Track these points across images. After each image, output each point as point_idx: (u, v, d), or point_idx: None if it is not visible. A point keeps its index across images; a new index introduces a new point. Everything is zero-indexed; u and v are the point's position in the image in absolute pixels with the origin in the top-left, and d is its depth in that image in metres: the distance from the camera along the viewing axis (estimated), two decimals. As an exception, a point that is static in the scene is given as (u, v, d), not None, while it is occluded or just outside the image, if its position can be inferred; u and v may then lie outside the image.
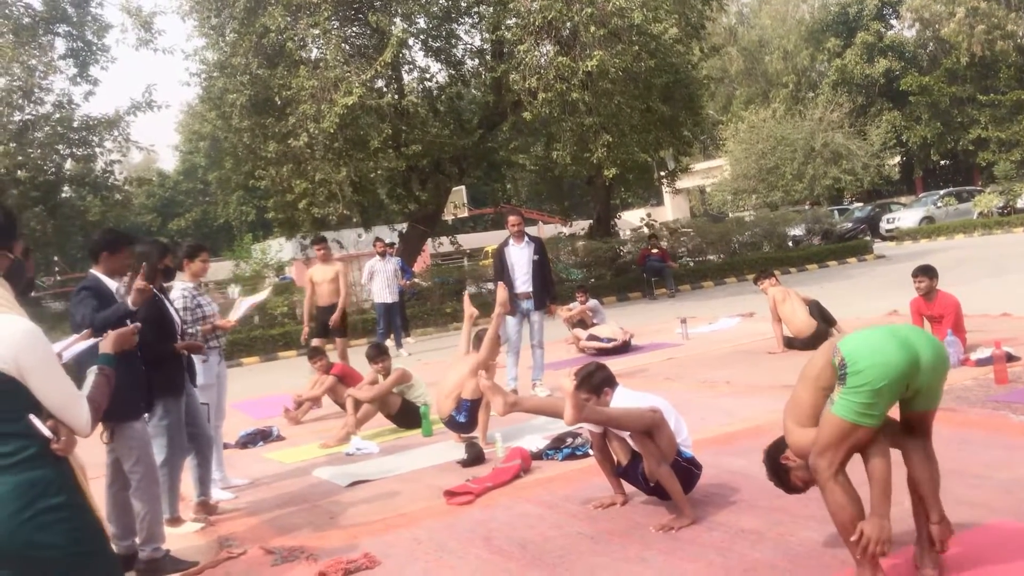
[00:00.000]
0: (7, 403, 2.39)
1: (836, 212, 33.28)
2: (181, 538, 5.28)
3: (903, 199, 39.20)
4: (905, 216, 32.48)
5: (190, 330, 5.87)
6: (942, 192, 34.77)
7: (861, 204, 37.32)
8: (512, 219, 9.13)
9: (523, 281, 8.90)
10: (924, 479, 3.38)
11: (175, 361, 5.38)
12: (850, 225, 30.23)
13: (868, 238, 27.97)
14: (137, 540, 4.77)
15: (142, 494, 4.67)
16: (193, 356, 5.73)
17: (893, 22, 47.25)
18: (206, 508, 5.77)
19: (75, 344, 3.76)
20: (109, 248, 4.83)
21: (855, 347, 3.28)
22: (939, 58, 43.56)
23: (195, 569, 4.73)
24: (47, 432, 2.42)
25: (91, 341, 4.07)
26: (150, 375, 4.89)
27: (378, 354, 8.10)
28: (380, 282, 14.47)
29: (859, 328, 3.56)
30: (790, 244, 26.67)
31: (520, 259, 8.93)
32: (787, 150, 36.20)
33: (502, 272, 8.91)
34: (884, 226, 32.09)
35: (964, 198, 32.82)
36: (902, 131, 42.81)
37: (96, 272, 4.82)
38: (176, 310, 5.63)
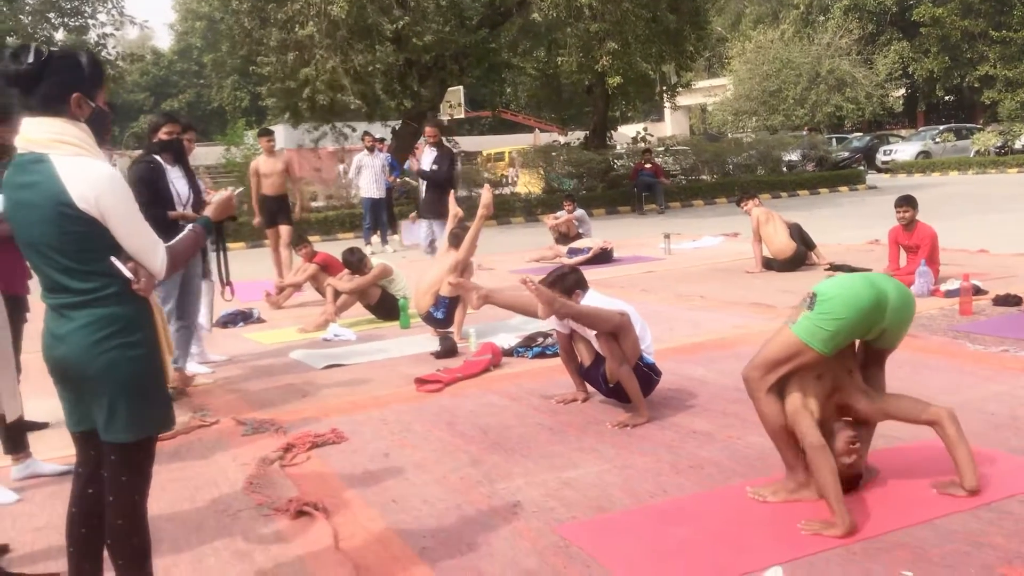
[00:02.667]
0: (90, 243, 2.50)
1: (834, 140, 33.14)
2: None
3: (903, 132, 38.94)
4: (902, 149, 32.39)
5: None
6: (941, 128, 34.60)
7: (860, 134, 37.12)
8: (429, 130, 9.83)
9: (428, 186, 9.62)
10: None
11: (169, 228, 5.42)
12: (846, 154, 30.17)
13: (862, 168, 27.94)
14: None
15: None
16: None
17: (912, -52, 46.13)
18: (182, 379, 5.94)
19: None
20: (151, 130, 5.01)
21: (827, 284, 3.46)
22: (955, -11, 42.67)
23: (167, 434, 4.90)
24: (127, 273, 2.54)
25: None
26: None
27: (357, 263, 8.11)
28: (368, 177, 14.46)
29: (837, 253, 3.68)
30: (784, 169, 26.63)
31: (428, 161, 9.57)
32: (792, 74, 35.78)
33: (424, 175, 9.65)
34: (880, 158, 32.03)
35: (963, 135, 32.69)
36: (909, 63, 42.18)
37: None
38: (193, 183, 5.76)
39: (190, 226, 2.89)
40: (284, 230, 10.43)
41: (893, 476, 3.64)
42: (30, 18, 19.75)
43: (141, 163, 5.55)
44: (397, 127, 21.78)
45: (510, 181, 25.75)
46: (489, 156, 33.52)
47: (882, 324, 3.39)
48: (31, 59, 2.49)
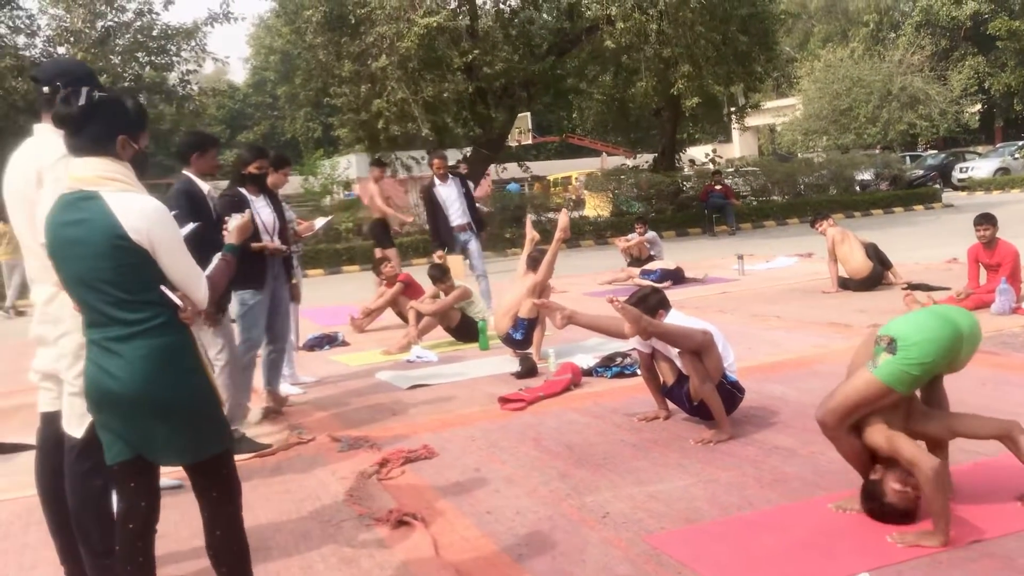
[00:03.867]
0: (141, 274, 2.65)
1: (908, 158, 32.58)
2: (255, 426, 5.74)
3: (980, 149, 38.10)
4: (979, 166, 31.71)
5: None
6: (1020, 143, 33.76)
7: (935, 151, 36.41)
8: (436, 162, 9.82)
9: (457, 216, 9.57)
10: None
11: (255, 258, 5.70)
12: (921, 172, 29.64)
13: (938, 186, 27.44)
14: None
15: (225, 379, 5.08)
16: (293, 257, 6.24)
17: (987, -38, 45.24)
18: (275, 398, 6.21)
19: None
20: (199, 148, 5.18)
21: (904, 328, 3.46)
22: (1032, 2, 41.73)
23: (268, 451, 5.18)
24: (178, 301, 2.69)
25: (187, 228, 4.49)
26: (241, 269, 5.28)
27: (441, 275, 8.42)
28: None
29: (915, 272, 3.74)
30: (857, 188, 26.31)
31: (450, 196, 9.58)
32: (863, 92, 35.36)
33: (435, 211, 9.58)
34: (957, 175, 31.40)
35: (1043, 151, 31.88)
36: (985, 78, 41.34)
37: (188, 173, 5.17)
38: (281, 212, 6.04)
39: (220, 254, 3.06)
40: (390, 252, 11.01)
41: (978, 489, 3.69)
42: (120, 58, 20.69)
43: (226, 197, 5.73)
44: (468, 154, 22.16)
45: (569, 205, 25.85)
46: (555, 180, 33.78)
47: (960, 358, 3.47)
48: (82, 102, 2.68)
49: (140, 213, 2.64)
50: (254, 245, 5.71)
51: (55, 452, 3.35)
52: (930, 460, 3.27)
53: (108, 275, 2.62)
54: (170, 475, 4.68)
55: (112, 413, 2.71)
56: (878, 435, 3.44)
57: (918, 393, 3.59)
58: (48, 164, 3.17)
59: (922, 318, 3.55)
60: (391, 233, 11.45)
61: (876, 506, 3.44)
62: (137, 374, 2.63)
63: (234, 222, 3.32)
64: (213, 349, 5.09)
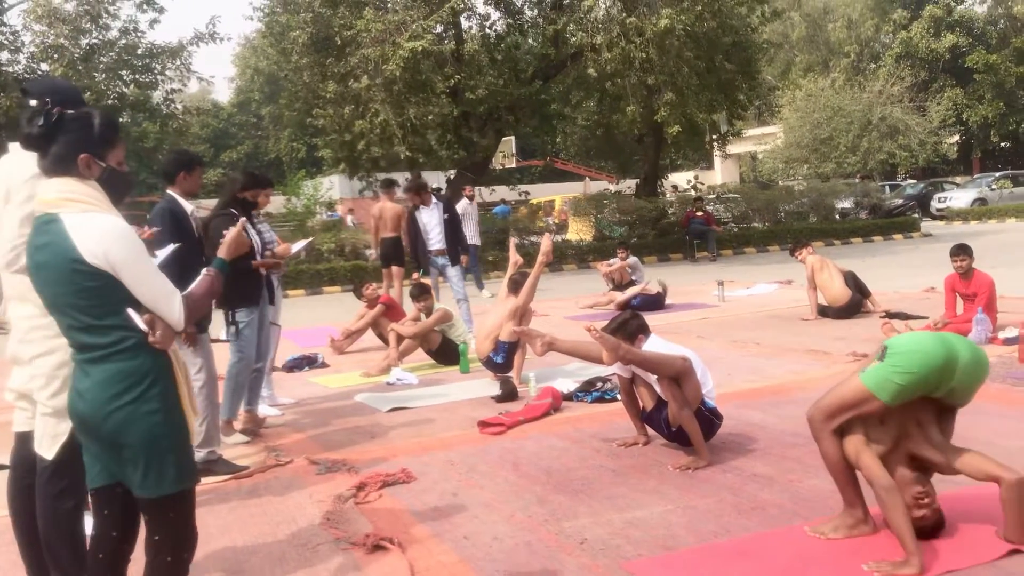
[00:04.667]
0: (104, 297, 2.53)
1: (887, 188, 32.93)
2: (232, 447, 5.70)
3: (958, 179, 38.60)
4: (957, 196, 32.09)
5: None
6: (997, 174, 34.22)
7: (914, 181, 36.84)
8: (410, 196, 10.01)
9: (436, 240, 9.75)
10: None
11: (251, 276, 5.76)
12: (900, 201, 29.94)
13: (917, 216, 27.73)
14: (194, 443, 5.16)
15: (202, 400, 5.04)
16: (272, 277, 6.21)
17: (965, -4, 46.05)
18: (253, 419, 6.18)
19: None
20: (186, 168, 5.18)
21: (901, 339, 3.56)
22: (1009, 36, 42.54)
23: (245, 473, 5.14)
24: (142, 325, 2.55)
25: (168, 249, 4.49)
26: (226, 289, 5.27)
27: (420, 293, 8.44)
28: (470, 225, 14.83)
29: (893, 300, 3.79)
30: (837, 216, 26.55)
31: (431, 220, 9.75)
32: (843, 121, 35.75)
33: (416, 235, 9.78)
34: (935, 205, 31.77)
35: (1020, 182, 32.34)
36: (963, 109, 42.00)
37: (172, 192, 5.16)
38: (259, 233, 6.05)
39: (205, 270, 2.87)
40: (396, 271, 11.04)
41: (959, 519, 3.70)
42: (104, 76, 20.64)
43: (222, 216, 5.77)
44: (452, 176, 22.21)
45: (550, 227, 25.92)
46: (539, 204, 33.89)
47: (951, 383, 3.44)
48: (41, 122, 2.59)
49: (97, 234, 2.53)
50: (253, 264, 5.73)
51: (28, 472, 3.32)
52: (885, 480, 3.33)
53: (71, 299, 2.55)
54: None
55: (83, 434, 2.66)
56: (850, 445, 3.51)
57: (931, 423, 3.56)
58: (17, 183, 3.15)
59: (923, 336, 3.61)
60: (402, 252, 11.50)
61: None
62: (97, 397, 2.55)
63: (229, 235, 3.16)
64: (192, 368, 5.06)
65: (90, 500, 2.76)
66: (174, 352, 2.69)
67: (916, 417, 3.54)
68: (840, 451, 3.55)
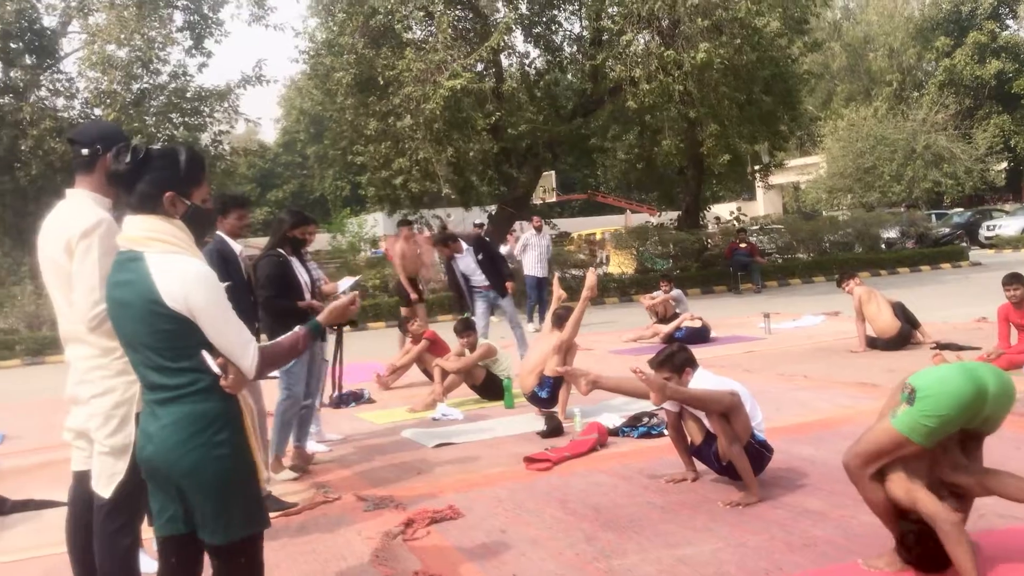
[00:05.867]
0: (179, 339, 2.53)
1: (934, 216, 32.47)
2: (281, 484, 5.75)
3: (1007, 206, 37.91)
4: (1007, 224, 31.48)
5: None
6: (1048, 201, 33.58)
7: (961, 209, 36.28)
8: (440, 249, 10.38)
9: (480, 280, 10.06)
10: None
11: (300, 316, 5.81)
12: (947, 230, 29.49)
13: (965, 244, 27.27)
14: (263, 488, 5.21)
15: (252, 437, 5.12)
16: None
17: (1009, 22, 45.57)
18: (302, 456, 6.23)
19: None
20: (218, 211, 5.32)
21: (926, 379, 3.50)
22: (1056, 61, 41.90)
23: (294, 510, 5.18)
24: (215, 368, 2.54)
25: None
26: (275, 328, 5.39)
27: (465, 328, 8.49)
28: (533, 256, 14.91)
29: (943, 331, 3.75)
30: (883, 246, 26.23)
31: (469, 265, 10.07)
32: (887, 150, 35.44)
33: (456, 282, 10.19)
34: (984, 233, 31.20)
35: (1072, 208, 31.65)
36: (1011, 136, 41.39)
37: (220, 233, 5.29)
38: (310, 272, 6.15)
39: (296, 328, 2.82)
40: (419, 309, 11.19)
41: (995, 557, 3.61)
42: (154, 119, 21.21)
43: (271, 257, 5.89)
44: (493, 212, 22.35)
45: (598, 262, 25.88)
46: (580, 238, 33.93)
47: (983, 414, 3.43)
48: (128, 159, 2.59)
49: (179, 277, 2.53)
50: (300, 304, 5.82)
51: (86, 511, 3.38)
52: (949, 515, 3.29)
53: (147, 339, 2.55)
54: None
55: (151, 478, 2.65)
56: (898, 487, 3.46)
57: (954, 446, 3.55)
58: (76, 234, 3.23)
59: (947, 372, 3.55)
60: (420, 290, 11.62)
61: (920, 553, 3.42)
62: (167, 440, 2.55)
63: (336, 303, 3.01)
64: (241, 407, 5.13)
65: (156, 547, 2.75)
66: (243, 396, 2.68)
67: (941, 444, 3.51)
68: (882, 492, 3.52)
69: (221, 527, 2.57)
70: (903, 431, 3.40)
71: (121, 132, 3.72)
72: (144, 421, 2.64)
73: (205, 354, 2.55)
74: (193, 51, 22.51)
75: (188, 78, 22.30)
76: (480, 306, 10.06)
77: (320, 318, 2.95)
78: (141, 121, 20.65)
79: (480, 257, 9.97)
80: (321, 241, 25.21)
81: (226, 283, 4.71)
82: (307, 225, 6.16)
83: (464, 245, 10.03)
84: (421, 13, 18.48)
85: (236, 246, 5.25)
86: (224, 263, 5.07)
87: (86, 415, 3.32)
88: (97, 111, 21.01)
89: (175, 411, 2.54)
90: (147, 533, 4.58)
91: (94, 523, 3.33)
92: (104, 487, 3.28)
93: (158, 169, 2.63)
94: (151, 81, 21.55)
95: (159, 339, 2.54)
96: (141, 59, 20.73)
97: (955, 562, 3.27)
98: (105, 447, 3.27)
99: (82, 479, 3.42)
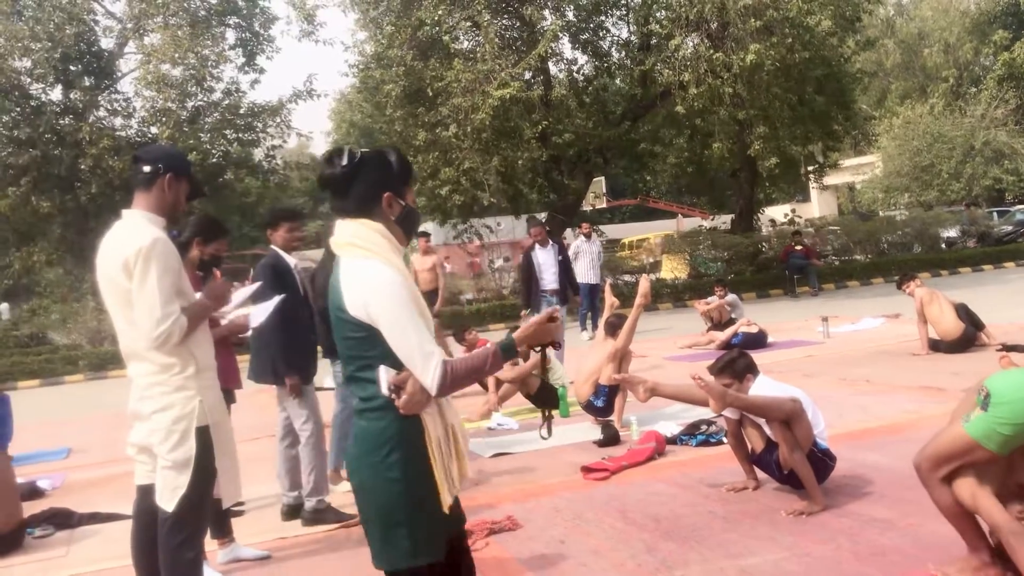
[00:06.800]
0: (363, 349, 2.42)
1: (995, 214, 31.64)
2: (340, 495, 5.77)
3: (1072, 202, 36.81)
4: (1073, 220, 30.53)
5: None
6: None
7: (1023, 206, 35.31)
8: (534, 231, 10.44)
9: (551, 281, 10.12)
10: None
11: None
12: (1010, 228, 28.68)
13: (1029, 242, 26.54)
14: (304, 492, 5.26)
15: (311, 450, 5.16)
16: None
17: (1070, 13, 44.23)
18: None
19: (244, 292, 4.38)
20: (271, 225, 5.39)
21: (1002, 383, 3.38)
22: (1121, 51, 40.57)
23: (354, 521, 5.17)
24: (384, 387, 2.39)
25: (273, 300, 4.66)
26: (331, 337, 5.45)
27: (461, 331, 8.54)
28: (584, 263, 14.88)
29: (1009, 333, 3.65)
30: (943, 246, 25.64)
31: (548, 260, 10.12)
32: (944, 148, 34.63)
33: (529, 274, 10.19)
34: (1049, 230, 30.28)
35: None
36: (1074, 129, 40.13)
37: (275, 247, 5.35)
38: None
39: (488, 345, 2.56)
40: (435, 323, 11.15)
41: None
42: (208, 135, 21.64)
43: (328, 266, 5.96)
44: (544, 219, 22.31)
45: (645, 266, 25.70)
46: (631, 243, 33.77)
47: None
48: (344, 162, 2.48)
49: (362, 283, 2.40)
50: None
51: (150, 524, 3.42)
52: (1010, 524, 3.20)
53: (340, 347, 2.49)
54: (257, 545, 4.75)
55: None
56: (965, 490, 3.37)
57: None
58: (132, 254, 3.28)
59: (1022, 377, 3.43)
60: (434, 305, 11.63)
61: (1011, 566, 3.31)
62: (351, 454, 2.49)
63: (537, 318, 2.62)
64: (298, 420, 5.18)
65: None
66: (432, 415, 2.45)
67: (1021, 447, 3.39)
68: (953, 497, 3.41)
69: (383, 553, 2.44)
70: (976, 437, 3.30)
71: (183, 155, 3.79)
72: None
73: (382, 369, 2.40)
74: (245, 68, 22.89)
75: (241, 94, 22.70)
76: (542, 309, 10.06)
77: (517, 334, 2.59)
78: (196, 138, 21.07)
79: (560, 259, 10.14)
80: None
81: (281, 295, 4.79)
82: None
83: (551, 240, 10.29)
84: (468, 24, 18.55)
85: (291, 260, 5.30)
86: (278, 277, 5.12)
87: (148, 430, 3.37)
88: (153, 129, 21.49)
89: (359, 425, 2.48)
90: (210, 546, 4.66)
91: (158, 537, 3.37)
92: (167, 501, 3.32)
93: (374, 171, 2.52)
94: (205, 98, 21.98)
95: (347, 347, 2.46)
96: (195, 77, 21.16)
97: (1022, 570, 3.17)
98: (167, 461, 3.32)
99: (146, 493, 3.47)
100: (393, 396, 2.38)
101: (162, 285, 3.28)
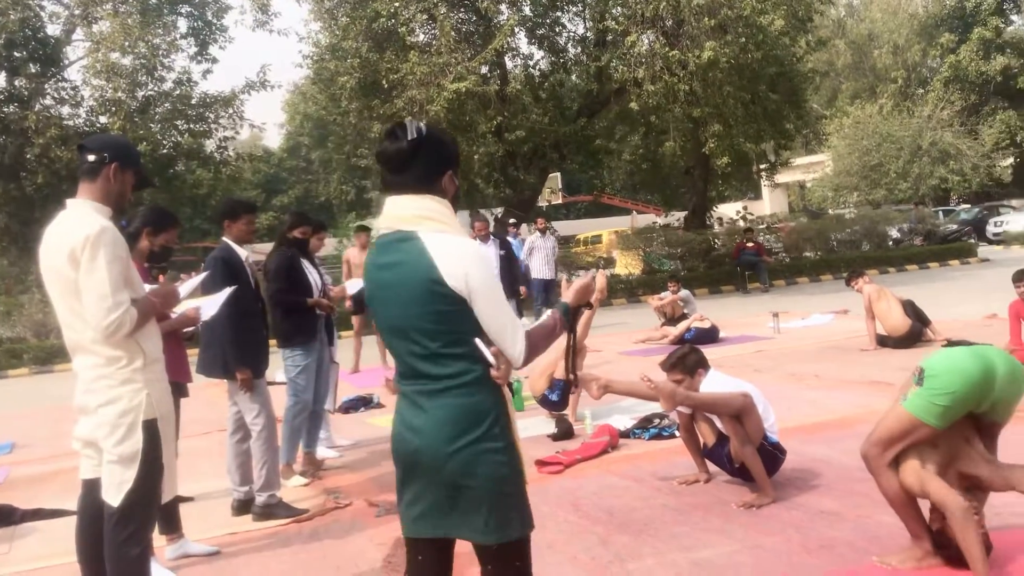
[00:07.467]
0: (455, 323, 2.37)
1: (941, 213, 32.34)
2: (292, 490, 5.72)
3: (1014, 202, 37.69)
4: (1014, 220, 31.27)
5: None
6: (1056, 196, 33.44)
7: (968, 206, 36.11)
8: (478, 225, 10.35)
9: None
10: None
11: (306, 313, 5.90)
12: (955, 227, 29.33)
13: (973, 241, 27.14)
14: (255, 487, 5.20)
15: (262, 444, 5.10)
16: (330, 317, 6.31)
17: (1014, 17, 45.26)
18: (312, 461, 6.21)
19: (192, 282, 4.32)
20: (229, 216, 5.28)
21: (934, 359, 3.56)
22: (1062, 56, 41.68)
23: (305, 516, 5.15)
24: (491, 358, 2.38)
25: (225, 292, 4.59)
26: (283, 324, 5.46)
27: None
28: (539, 258, 14.86)
29: (954, 328, 3.74)
30: (890, 244, 26.12)
31: (489, 256, 9.96)
32: (893, 148, 35.32)
33: None
34: (991, 229, 31.02)
35: (1080, 203, 31.49)
36: (1017, 132, 41.15)
37: (226, 239, 5.26)
38: (320, 274, 6.16)
39: (548, 312, 2.63)
40: (360, 318, 11.17)
41: (1013, 554, 3.57)
42: (159, 126, 21.26)
43: (281, 252, 5.99)
44: (499, 215, 22.32)
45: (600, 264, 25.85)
46: (586, 239, 33.92)
47: (992, 396, 3.44)
48: (413, 135, 2.43)
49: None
50: (308, 300, 5.86)
51: (96, 520, 3.35)
52: (959, 502, 3.27)
53: (420, 322, 2.38)
54: (206, 541, 4.68)
55: (414, 476, 2.45)
56: (911, 475, 3.45)
57: (975, 438, 3.55)
58: (79, 243, 3.20)
59: (956, 352, 3.60)
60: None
61: (952, 552, 3.38)
62: (439, 435, 2.36)
63: (578, 281, 2.75)
64: (250, 414, 5.11)
65: (407, 544, 2.58)
66: (504, 390, 2.48)
67: (963, 434, 3.52)
68: (898, 484, 3.51)
69: (496, 528, 2.37)
70: (915, 413, 3.41)
71: (130, 145, 3.70)
72: (407, 414, 2.45)
73: (479, 342, 2.38)
74: (198, 57, 22.55)
75: (193, 85, 22.34)
76: None
77: (566, 298, 2.68)
78: (146, 128, 20.68)
79: (502, 253, 10.04)
80: (328, 246, 25.18)
81: (232, 287, 4.73)
82: (308, 226, 6.17)
83: (492, 236, 10.18)
84: (424, 16, 18.46)
85: (242, 252, 5.22)
86: (229, 270, 5.05)
87: (94, 424, 3.30)
88: (102, 119, 21.05)
89: (446, 404, 2.37)
90: (159, 542, 4.58)
91: (104, 532, 3.30)
92: (113, 496, 3.25)
93: (437, 147, 2.49)
94: (156, 88, 21.58)
95: (434, 321, 2.37)
96: (145, 66, 20.76)
97: (964, 549, 3.26)
98: (113, 456, 3.25)
99: (91, 488, 3.40)
100: (494, 368, 2.38)
101: (111, 273, 3.20)
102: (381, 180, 2.55)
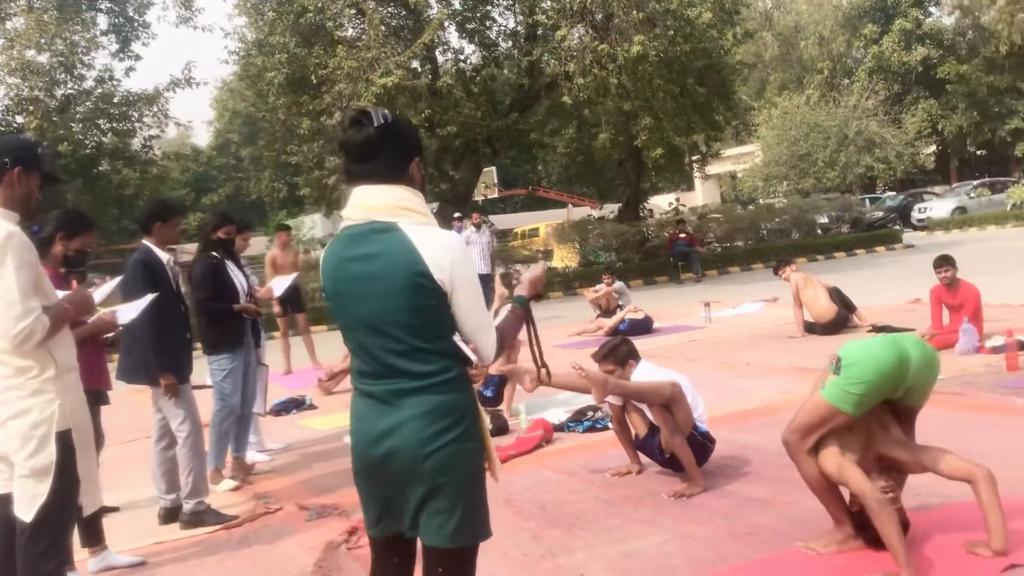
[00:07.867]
0: (436, 318, 2.31)
1: (867, 201, 33.13)
2: (221, 496, 5.61)
3: (937, 189, 38.83)
4: (937, 206, 32.25)
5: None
6: (975, 183, 34.52)
7: (893, 193, 37.08)
8: (474, 215, 10.01)
9: None
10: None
11: (234, 319, 5.79)
12: (880, 214, 30.10)
13: (898, 227, 27.88)
14: (182, 494, 5.09)
15: (188, 451, 4.99)
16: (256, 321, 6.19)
17: (932, 9, 46.54)
18: (242, 466, 6.10)
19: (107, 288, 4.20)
20: (161, 219, 5.11)
21: (851, 348, 3.63)
22: (978, 47, 43.00)
23: (235, 522, 5.06)
24: (471, 355, 2.34)
25: (146, 299, 4.47)
26: (209, 331, 5.32)
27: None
28: (475, 253, 14.79)
29: (879, 314, 3.82)
30: (819, 232, 26.68)
31: None
32: (820, 137, 36.04)
33: None
34: (916, 216, 31.90)
35: (998, 189, 32.56)
36: (938, 120, 42.39)
37: (148, 243, 5.11)
38: (246, 276, 6.05)
39: (508, 307, 2.63)
40: (301, 317, 11.19)
41: (930, 533, 3.67)
42: (80, 125, 20.67)
43: (205, 258, 5.83)
44: (435, 209, 22.23)
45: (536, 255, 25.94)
46: (524, 233, 33.99)
47: (906, 383, 3.53)
48: (379, 122, 2.35)
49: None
50: (235, 307, 5.74)
51: (8, 535, 3.24)
52: (876, 493, 3.35)
53: (402, 317, 2.29)
54: (129, 552, 4.56)
55: (381, 479, 2.35)
56: (830, 461, 3.52)
57: (892, 423, 3.63)
58: None
59: (871, 342, 3.68)
60: (301, 298, 11.54)
61: (872, 533, 3.44)
62: (416, 434, 2.27)
63: (529, 273, 2.74)
64: (175, 420, 5.00)
65: (373, 546, 2.49)
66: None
67: (879, 419, 3.61)
68: (818, 470, 3.59)
69: (466, 529, 2.32)
70: (832, 401, 3.49)
71: (32, 146, 3.57)
72: (373, 413, 2.34)
73: (458, 339, 2.34)
74: (119, 55, 21.97)
75: (115, 83, 21.77)
76: None
77: (520, 290, 2.69)
78: (67, 128, 20.10)
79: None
80: (258, 245, 24.78)
81: (154, 293, 4.60)
82: (232, 225, 6.04)
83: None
84: (352, 11, 18.25)
85: (164, 255, 5.08)
86: (150, 273, 4.91)
87: (3, 437, 3.18)
88: (19, 119, 20.38)
89: (424, 402, 2.29)
90: (82, 555, 4.45)
91: (17, 547, 3.19)
92: (26, 511, 3.15)
93: (403, 135, 2.42)
94: (76, 87, 20.97)
95: (416, 315, 2.29)
96: (64, 64, 20.16)
97: (883, 538, 3.33)
98: (25, 469, 3.15)
99: (3, 503, 3.28)
100: (472, 366, 2.36)
101: (20, 280, 3.09)
102: (344, 170, 2.47)
